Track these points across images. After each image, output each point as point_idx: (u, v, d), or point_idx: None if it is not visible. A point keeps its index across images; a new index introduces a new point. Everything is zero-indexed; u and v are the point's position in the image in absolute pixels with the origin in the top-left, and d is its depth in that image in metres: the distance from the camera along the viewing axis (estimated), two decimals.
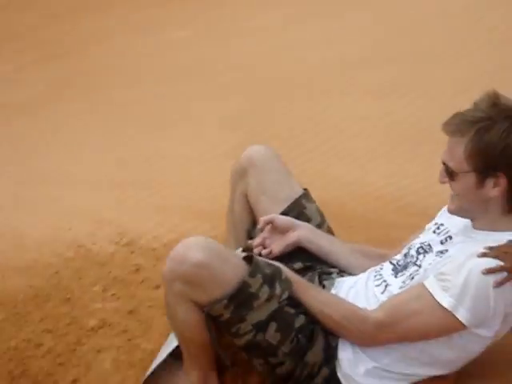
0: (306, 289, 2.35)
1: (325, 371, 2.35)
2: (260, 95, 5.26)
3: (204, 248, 2.24)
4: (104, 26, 7.67)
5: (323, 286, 2.48)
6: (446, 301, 2.16)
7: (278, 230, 2.59)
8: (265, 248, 2.57)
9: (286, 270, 2.34)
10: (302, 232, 2.59)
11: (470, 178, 2.22)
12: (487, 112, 2.19)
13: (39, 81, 6.57)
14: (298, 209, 2.67)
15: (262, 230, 2.59)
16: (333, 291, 2.45)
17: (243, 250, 2.49)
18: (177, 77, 5.89)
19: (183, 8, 7.69)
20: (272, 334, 2.26)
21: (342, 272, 2.59)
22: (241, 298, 2.22)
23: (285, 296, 2.27)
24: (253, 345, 2.29)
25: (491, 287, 2.13)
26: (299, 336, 2.29)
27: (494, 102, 2.20)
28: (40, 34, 7.79)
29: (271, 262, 2.37)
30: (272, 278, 2.27)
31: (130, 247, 3.48)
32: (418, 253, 2.37)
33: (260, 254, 2.52)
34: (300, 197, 2.68)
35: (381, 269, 2.45)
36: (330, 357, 2.34)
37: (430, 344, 2.28)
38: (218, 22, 7.10)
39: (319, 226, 2.68)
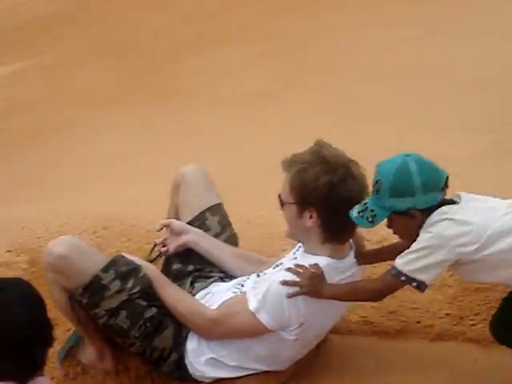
0: (163, 286, 2.85)
1: (174, 356, 2.83)
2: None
3: (67, 243, 2.81)
4: (334, 21, 7.67)
5: (193, 288, 3.00)
6: (252, 305, 2.65)
7: (174, 233, 3.10)
8: (164, 247, 3.12)
9: (148, 270, 2.86)
10: (192, 236, 3.08)
11: (293, 209, 2.68)
12: (309, 156, 2.64)
13: (267, 73, 6.70)
14: (201, 219, 3.16)
15: (158, 231, 3.17)
16: (202, 292, 2.96)
17: (151, 250, 3.18)
18: (409, 74, 5.89)
19: (414, 6, 7.50)
20: (122, 320, 2.77)
21: (229, 276, 3.07)
22: (93, 288, 2.76)
23: (136, 290, 2.78)
24: (108, 327, 2.82)
25: (284, 297, 2.58)
26: (147, 324, 2.79)
27: (317, 149, 2.64)
28: (264, 27, 7.91)
29: (135, 261, 2.88)
30: (126, 275, 2.79)
31: None
32: (274, 267, 2.85)
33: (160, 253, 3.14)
34: (206, 210, 3.18)
35: (248, 278, 2.92)
36: (179, 344, 2.82)
37: (253, 341, 2.71)
38: (451, 20, 6.85)
39: (216, 235, 3.14)
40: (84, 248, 2.90)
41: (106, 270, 2.81)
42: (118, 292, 2.79)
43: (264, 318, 2.65)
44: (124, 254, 2.98)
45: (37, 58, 8.01)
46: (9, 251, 3.77)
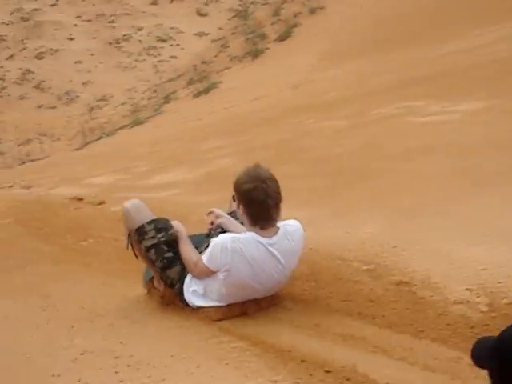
0: (182, 241, 4.32)
1: (178, 285, 4.29)
2: None
3: (132, 202, 4.45)
4: None
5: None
6: (204, 255, 4.11)
7: (216, 216, 4.44)
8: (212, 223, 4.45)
9: (179, 230, 4.34)
10: (223, 219, 4.41)
11: (235, 203, 4.24)
12: (243, 172, 4.10)
13: None
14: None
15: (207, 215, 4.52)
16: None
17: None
18: None
19: None
20: (151, 255, 4.33)
21: None
22: (139, 231, 4.33)
23: (162, 239, 4.30)
24: (146, 257, 4.36)
25: (217, 248, 4.02)
26: (164, 261, 4.31)
27: (250, 168, 4.08)
28: None
29: (171, 223, 4.38)
30: (160, 229, 4.33)
31: None
32: None
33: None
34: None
35: None
36: (181, 278, 4.28)
37: (209, 279, 4.11)
38: None
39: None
40: (141, 207, 4.47)
41: (149, 223, 4.38)
42: (152, 238, 4.34)
43: (207, 262, 4.10)
44: (168, 218, 4.49)
45: (496, 100, 7.90)
46: (468, 290, 3.72)
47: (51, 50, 26.87)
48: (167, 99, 19.94)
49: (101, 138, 18.69)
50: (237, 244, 3.97)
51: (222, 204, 4.72)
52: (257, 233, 4.00)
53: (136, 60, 26.17)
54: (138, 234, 4.31)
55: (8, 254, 5.71)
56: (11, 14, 29.36)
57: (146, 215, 4.38)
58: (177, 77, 22.82)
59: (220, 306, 4.10)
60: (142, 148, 12.68)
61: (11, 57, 26.63)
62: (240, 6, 27.84)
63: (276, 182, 4.05)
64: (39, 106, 23.60)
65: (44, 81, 25.00)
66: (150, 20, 28.66)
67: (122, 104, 22.80)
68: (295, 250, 4.12)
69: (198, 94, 18.37)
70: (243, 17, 25.42)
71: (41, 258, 5.48)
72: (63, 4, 30.01)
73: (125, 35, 27.76)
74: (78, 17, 29.16)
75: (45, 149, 20.16)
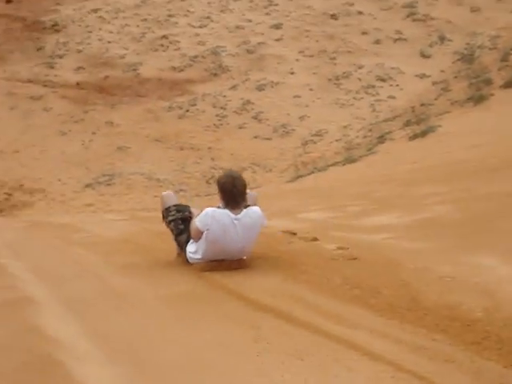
0: (193, 218, 6.36)
1: (185, 247, 6.39)
2: None
3: (165, 193, 7.16)
4: None
5: None
6: (196, 219, 6.23)
7: None
8: None
9: (195, 213, 6.47)
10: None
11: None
12: (223, 172, 7.31)
13: None
14: None
15: None
16: None
17: None
18: None
19: None
20: (171, 227, 6.63)
21: None
22: (166, 210, 6.72)
23: (180, 217, 6.62)
24: (169, 227, 6.69)
25: (205, 213, 6.10)
26: (177, 231, 6.55)
27: (228, 171, 7.43)
28: None
29: (190, 208, 6.79)
30: (179, 210, 6.69)
31: None
32: None
33: None
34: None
35: None
36: (187, 243, 6.40)
37: (201, 240, 6.15)
38: None
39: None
40: (171, 196, 7.03)
41: (174, 206, 6.77)
42: (173, 215, 6.68)
43: (197, 222, 6.15)
44: (188, 205, 6.96)
45: None
46: None
47: (272, 82, 27.65)
48: (382, 139, 19.76)
49: (312, 172, 18.82)
50: (215, 213, 6.13)
51: (438, 253, 4.40)
52: (228, 210, 6.15)
53: (354, 98, 26.28)
54: (166, 212, 6.80)
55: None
56: (238, 46, 30.60)
57: (173, 201, 6.92)
58: (393, 117, 22.60)
59: (204, 260, 6.24)
60: (354, 187, 12.58)
61: (234, 87, 27.68)
62: (466, 49, 27.24)
63: (242, 179, 6.35)
64: (255, 137, 24.28)
65: (262, 112, 25.73)
66: (372, 59, 28.73)
67: (336, 140, 22.92)
68: (253, 225, 6.21)
69: (414, 137, 18.02)
70: (468, 60, 24.80)
71: (248, 288, 5.47)
72: (288, 39, 30.85)
73: (345, 72, 28.00)
74: (300, 52, 29.83)
75: (256, 178, 20.65)
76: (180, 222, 6.58)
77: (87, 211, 18.06)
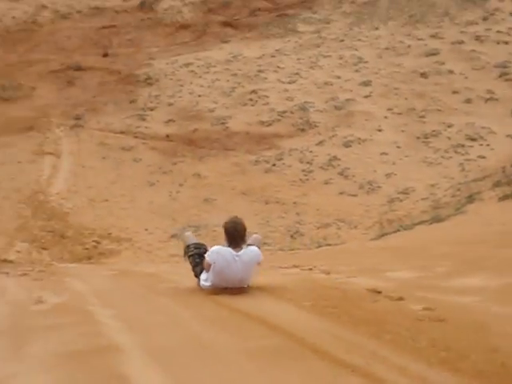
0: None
1: (199, 276, 8.13)
2: None
3: (185, 233, 9.24)
4: None
5: None
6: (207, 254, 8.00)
7: None
8: None
9: (208, 249, 8.08)
10: None
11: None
12: (228, 218, 8.04)
13: None
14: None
15: None
16: None
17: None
18: None
19: None
20: (191, 259, 8.34)
21: None
22: (187, 247, 8.47)
23: (196, 252, 8.31)
24: (188, 261, 8.44)
25: (211, 252, 7.84)
26: (194, 263, 8.28)
27: (231, 217, 8.05)
28: None
29: (205, 246, 8.48)
30: (198, 247, 8.39)
31: None
32: None
33: None
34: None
35: None
36: (201, 272, 8.08)
37: (210, 272, 7.82)
38: None
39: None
40: (191, 236, 8.81)
41: (193, 244, 8.46)
42: (191, 251, 8.37)
43: (207, 257, 7.81)
44: (204, 243, 8.70)
45: None
46: None
47: (359, 139, 27.64)
48: (470, 199, 19.40)
49: (398, 230, 18.59)
50: (220, 250, 7.73)
51: None
52: (231, 248, 7.71)
53: (442, 156, 25.98)
54: (187, 248, 8.46)
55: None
56: (326, 102, 30.81)
57: (193, 240, 8.57)
58: (483, 177, 22.21)
59: (212, 287, 7.79)
60: (441, 247, 12.33)
61: (321, 143, 27.79)
62: None
63: (243, 225, 7.84)
64: (341, 193, 24.21)
65: (348, 168, 25.68)
66: (462, 118, 28.44)
67: (423, 199, 22.62)
68: (250, 261, 7.74)
69: (504, 198, 17.63)
70: None
71: (333, 344, 5.41)
72: (376, 96, 30.89)
73: (434, 131, 27.77)
74: (389, 109, 29.78)
75: (341, 235, 20.53)
76: (197, 257, 8.29)
77: (172, 261, 18.25)
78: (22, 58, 38.30)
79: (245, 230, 7.84)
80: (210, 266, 7.73)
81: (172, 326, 6.38)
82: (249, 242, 8.16)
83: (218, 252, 7.70)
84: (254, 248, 7.98)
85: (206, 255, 7.86)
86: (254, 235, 8.68)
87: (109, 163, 27.54)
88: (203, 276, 7.99)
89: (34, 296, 8.11)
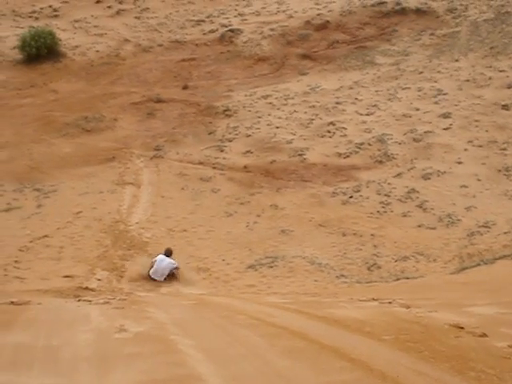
0: None
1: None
2: None
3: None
4: None
5: None
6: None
7: None
8: None
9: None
10: None
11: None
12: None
13: None
14: None
15: None
16: None
17: None
18: None
19: None
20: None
21: None
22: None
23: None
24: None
25: None
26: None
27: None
28: None
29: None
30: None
31: None
32: None
33: None
34: None
35: None
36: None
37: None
38: None
39: None
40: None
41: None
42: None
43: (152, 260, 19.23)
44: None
45: None
46: None
47: (438, 171, 27.28)
48: None
49: (478, 265, 18.24)
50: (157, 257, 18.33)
51: None
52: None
53: None
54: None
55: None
56: (404, 134, 30.57)
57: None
58: None
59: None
60: None
61: (399, 175, 27.53)
62: None
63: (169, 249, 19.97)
64: (419, 225, 23.87)
65: (427, 201, 25.34)
66: None
67: (505, 233, 22.12)
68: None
69: None
70: None
71: (415, 379, 5.33)
72: (456, 128, 30.51)
73: None
74: (469, 141, 29.36)
75: (419, 268, 20.25)
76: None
77: (249, 292, 18.31)
78: (105, 91, 39.26)
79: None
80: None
81: (250, 357, 6.39)
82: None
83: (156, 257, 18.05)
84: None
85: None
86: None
87: (187, 193, 27.88)
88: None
89: (117, 324, 8.26)
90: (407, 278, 18.55)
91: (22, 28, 45.92)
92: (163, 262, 19.89)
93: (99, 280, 19.08)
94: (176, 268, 20.13)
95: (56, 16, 48.92)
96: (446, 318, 7.52)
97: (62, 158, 31.64)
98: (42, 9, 49.81)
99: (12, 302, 10.15)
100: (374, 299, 10.30)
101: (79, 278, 19.04)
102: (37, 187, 28.39)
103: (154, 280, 19.61)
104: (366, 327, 7.37)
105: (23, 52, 42.64)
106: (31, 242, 22.81)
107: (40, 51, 42.29)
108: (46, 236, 23.36)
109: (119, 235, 23.78)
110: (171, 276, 20.02)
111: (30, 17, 48.79)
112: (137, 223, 25.05)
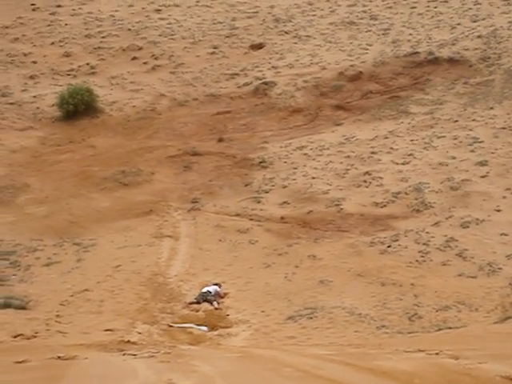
0: None
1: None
2: None
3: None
4: None
5: None
6: None
7: None
8: None
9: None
10: None
11: None
12: None
13: None
14: None
15: None
16: None
17: None
18: None
19: None
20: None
21: None
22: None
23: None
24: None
25: None
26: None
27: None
28: None
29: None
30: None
31: None
32: None
33: None
34: None
35: None
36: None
37: None
38: None
39: None
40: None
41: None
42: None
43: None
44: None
45: None
46: None
47: (477, 219, 27.11)
48: None
49: None
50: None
51: None
52: None
53: None
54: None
55: None
56: (441, 182, 30.50)
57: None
58: None
59: None
60: None
61: (437, 223, 27.39)
62: None
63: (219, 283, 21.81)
64: (459, 274, 23.65)
65: (467, 249, 25.13)
66: None
67: None
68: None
69: None
70: None
71: None
72: (494, 176, 30.38)
73: None
74: (507, 189, 29.20)
75: (461, 318, 20.01)
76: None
77: (289, 344, 18.21)
78: (142, 145, 39.81)
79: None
80: None
81: None
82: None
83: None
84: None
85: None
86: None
87: (225, 245, 27.99)
88: None
89: (164, 379, 8.28)
90: (449, 328, 18.33)
91: (60, 86, 46.97)
92: (212, 287, 23.18)
93: (140, 333, 19.12)
94: (220, 295, 23.02)
95: (93, 73, 49.98)
96: (496, 370, 7.43)
97: (100, 212, 32.04)
98: (79, 66, 50.94)
99: (59, 357, 10.22)
100: (420, 350, 10.20)
101: (120, 331, 19.10)
102: (76, 241, 28.72)
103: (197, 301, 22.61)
104: (415, 379, 7.32)
105: (61, 109, 43.62)
106: (72, 296, 23.00)
107: (78, 108, 43.21)
108: (86, 290, 23.55)
109: (158, 288, 23.89)
110: (210, 300, 22.49)
111: (69, 74, 49.93)
112: (175, 276, 25.16)
